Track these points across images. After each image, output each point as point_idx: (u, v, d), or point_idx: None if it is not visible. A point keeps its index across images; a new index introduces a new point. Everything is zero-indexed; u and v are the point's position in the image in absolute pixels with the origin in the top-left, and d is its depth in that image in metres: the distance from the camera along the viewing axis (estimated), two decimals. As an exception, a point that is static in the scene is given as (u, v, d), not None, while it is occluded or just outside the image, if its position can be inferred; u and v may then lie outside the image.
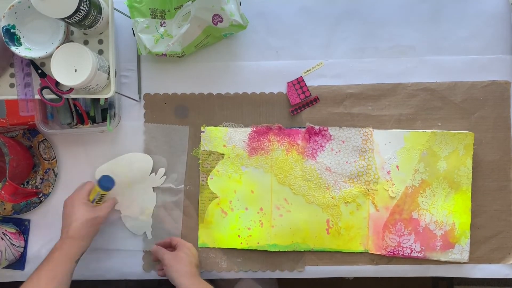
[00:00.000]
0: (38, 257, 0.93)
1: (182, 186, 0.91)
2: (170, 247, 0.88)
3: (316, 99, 0.90)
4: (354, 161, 0.89)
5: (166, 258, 0.83)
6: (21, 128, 0.92)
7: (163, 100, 0.92)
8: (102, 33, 0.82)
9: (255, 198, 0.90)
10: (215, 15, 0.82)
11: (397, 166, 0.89)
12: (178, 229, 0.91)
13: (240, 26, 0.86)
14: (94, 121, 0.92)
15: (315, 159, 0.89)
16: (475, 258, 0.89)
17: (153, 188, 0.91)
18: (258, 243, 0.90)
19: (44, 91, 0.80)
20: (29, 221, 0.93)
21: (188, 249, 0.86)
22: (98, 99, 0.87)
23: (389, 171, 0.89)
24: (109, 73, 0.80)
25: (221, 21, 0.83)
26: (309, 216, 0.89)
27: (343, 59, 0.92)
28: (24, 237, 0.93)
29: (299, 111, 0.91)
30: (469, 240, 0.88)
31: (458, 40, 0.91)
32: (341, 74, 0.91)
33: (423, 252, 0.88)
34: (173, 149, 0.92)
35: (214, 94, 0.92)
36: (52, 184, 0.92)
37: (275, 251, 0.90)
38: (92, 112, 0.92)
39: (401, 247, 0.88)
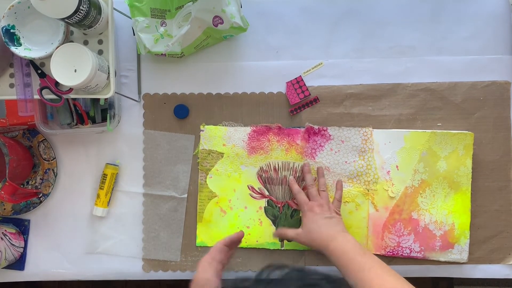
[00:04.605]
0: (38, 257, 0.93)
1: (185, 195, 0.91)
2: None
3: (316, 100, 0.90)
4: (354, 161, 0.89)
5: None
6: (21, 128, 0.92)
7: (163, 100, 0.92)
8: (102, 33, 0.82)
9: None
10: (215, 16, 0.82)
11: (397, 166, 0.89)
12: (179, 238, 0.91)
13: (241, 28, 0.85)
14: (94, 121, 0.92)
15: (314, 159, 0.89)
16: (475, 258, 0.89)
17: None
18: (257, 241, 0.90)
19: (43, 91, 0.80)
20: (29, 221, 0.93)
21: (309, 209, 0.84)
22: (98, 99, 0.87)
23: (388, 171, 0.89)
24: (108, 73, 0.80)
25: (222, 23, 0.83)
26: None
27: (343, 59, 0.92)
28: (24, 238, 0.93)
29: (299, 111, 0.91)
30: (469, 240, 0.88)
31: (458, 40, 0.91)
32: (341, 74, 0.91)
33: (422, 252, 0.88)
34: (178, 158, 0.92)
35: (214, 94, 0.92)
36: (52, 184, 0.92)
37: (274, 249, 0.90)
38: (92, 112, 0.92)
39: (401, 247, 0.88)
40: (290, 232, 0.85)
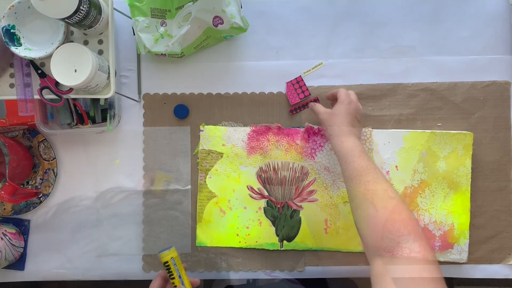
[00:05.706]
0: (38, 257, 0.93)
1: (189, 186, 0.91)
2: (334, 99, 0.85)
3: (316, 100, 0.90)
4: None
5: (322, 114, 0.82)
6: (21, 128, 0.92)
7: (163, 100, 0.92)
8: (102, 33, 0.82)
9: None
10: (215, 17, 0.82)
11: (396, 166, 0.89)
12: (188, 229, 0.91)
13: (241, 28, 0.86)
14: (94, 121, 0.92)
15: (314, 159, 0.89)
16: (475, 258, 0.89)
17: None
18: (256, 241, 0.90)
19: (44, 91, 0.80)
20: (29, 221, 0.93)
21: (348, 103, 0.81)
22: (98, 99, 0.87)
23: (388, 171, 0.89)
24: (109, 73, 0.80)
25: (222, 23, 0.83)
26: (307, 215, 0.89)
27: (343, 59, 0.92)
28: (24, 237, 0.93)
29: (299, 111, 0.91)
30: (468, 240, 0.88)
31: (458, 40, 0.91)
32: (341, 74, 0.91)
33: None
34: (176, 151, 0.92)
35: (214, 94, 0.92)
36: (52, 184, 0.92)
37: (273, 250, 0.90)
38: (92, 112, 0.92)
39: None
40: (319, 107, 0.84)
